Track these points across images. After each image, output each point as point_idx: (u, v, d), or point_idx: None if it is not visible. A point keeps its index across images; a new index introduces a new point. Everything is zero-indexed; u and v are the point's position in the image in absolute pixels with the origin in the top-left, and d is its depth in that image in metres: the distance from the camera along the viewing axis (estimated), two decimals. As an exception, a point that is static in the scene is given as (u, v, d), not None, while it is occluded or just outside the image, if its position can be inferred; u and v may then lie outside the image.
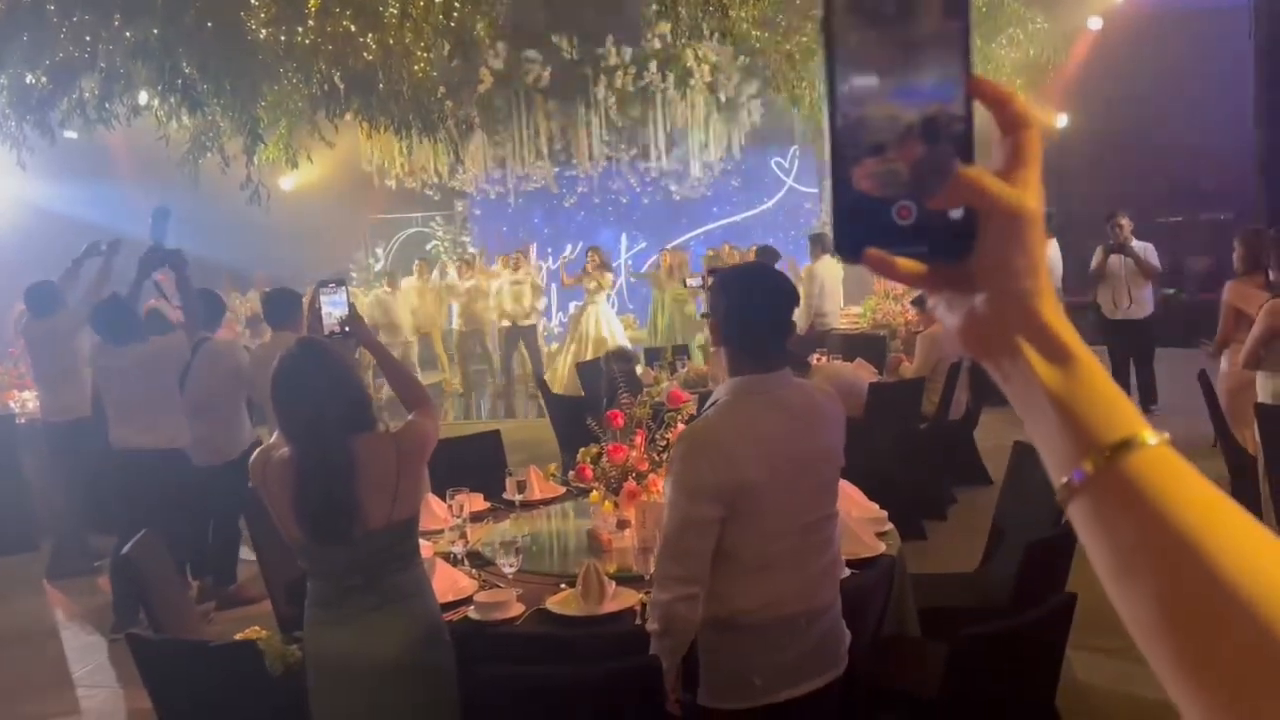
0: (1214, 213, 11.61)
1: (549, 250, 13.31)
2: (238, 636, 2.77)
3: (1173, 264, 10.75)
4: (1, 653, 5.21)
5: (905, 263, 0.60)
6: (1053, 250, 7.80)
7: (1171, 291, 10.70)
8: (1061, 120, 11.51)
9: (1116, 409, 0.58)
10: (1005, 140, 0.60)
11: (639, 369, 7.52)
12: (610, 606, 2.75)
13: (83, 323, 6.13)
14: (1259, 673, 0.51)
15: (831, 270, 9.77)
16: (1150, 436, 0.57)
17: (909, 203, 0.59)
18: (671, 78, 9.99)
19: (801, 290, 8.06)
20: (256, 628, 2.98)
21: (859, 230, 0.60)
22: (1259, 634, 0.50)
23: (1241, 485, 4.90)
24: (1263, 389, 5.04)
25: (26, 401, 7.58)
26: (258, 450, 2.56)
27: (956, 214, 0.59)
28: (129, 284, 5.32)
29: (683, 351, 8.41)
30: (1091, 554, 0.58)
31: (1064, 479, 0.58)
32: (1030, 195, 0.59)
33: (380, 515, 2.41)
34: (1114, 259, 7.99)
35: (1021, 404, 0.61)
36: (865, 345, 7.89)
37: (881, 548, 3.10)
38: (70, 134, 8.36)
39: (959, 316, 0.62)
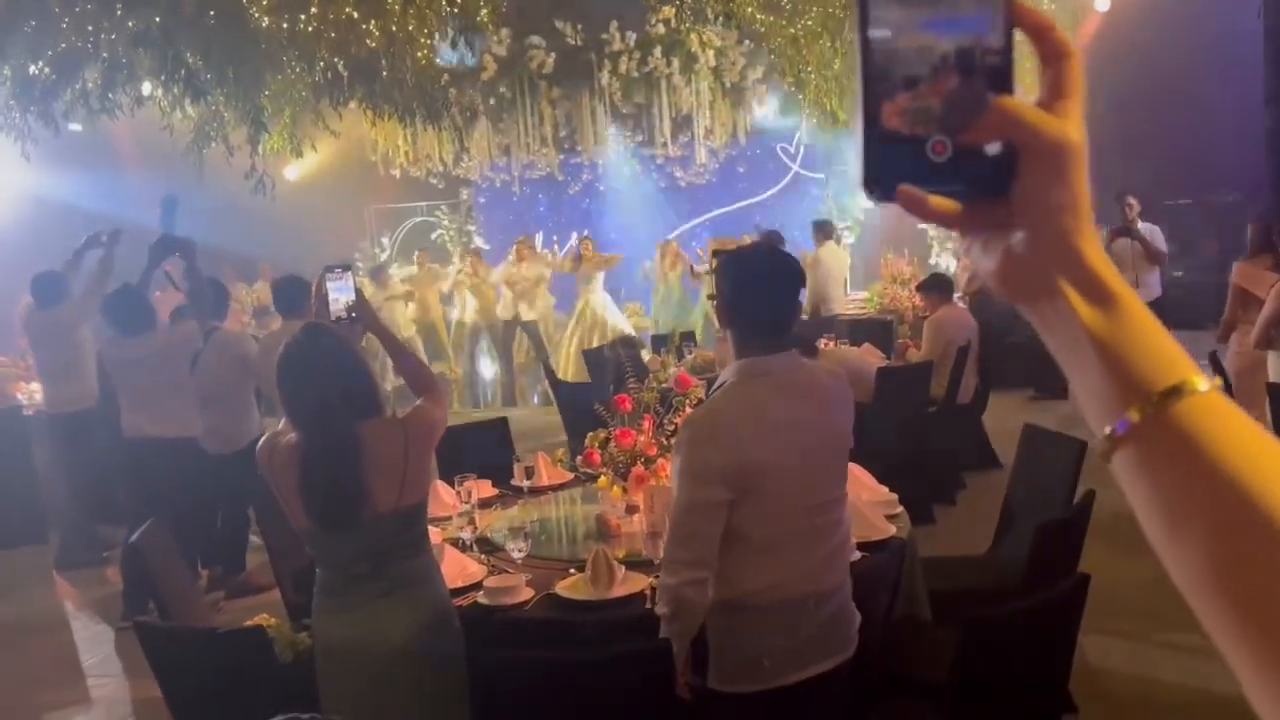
0: (1223, 194, 11.52)
1: (555, 238, 13.26)
2: (247, 624, 2.76)
3: (1182, 247, 10.68)
4: (12, 643, 5.22)
5: (939, 201, 0.57)
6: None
7: (1179, 274, 10.62)
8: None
9: (1164, 353, 0.55)
10: (1046, 71, 0.58)
11: (646, 355, 7.51)
12: (619, 591, 2.74)
13: (86, 314, 6.13)
14: None
15: (836, 256, 9.73)
16: (1201, 382, 0.54)
17: (943, 139, 0.56)
18: (676, 63, 9.94)
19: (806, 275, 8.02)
20: (265, 615, 2.98)
21: (891, 169, 0.57)
22: None
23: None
24: (1274, 369, 5.01)
25: (34, 393, 7.58)
26: (265, 437, 2.54)
27: (994, 150, 0.56)
28: (139, 273, 5.31)
29: (689, 338, 8.39)
30: (1138, 507, 0.55)
31: (1107, 429, 0.55)
32: (1073, 127, 0.56)
33: (388, 501, 2.40)
34: (1120, 242, 7.92)
35: (1062, 350, 0.58)
36: (872, 331, 7.86)
37: (891, 530, 3.08)
38: (74, 126, 8.34)
39: (995, 258, 0.59)
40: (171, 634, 2.86)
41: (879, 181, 0.57)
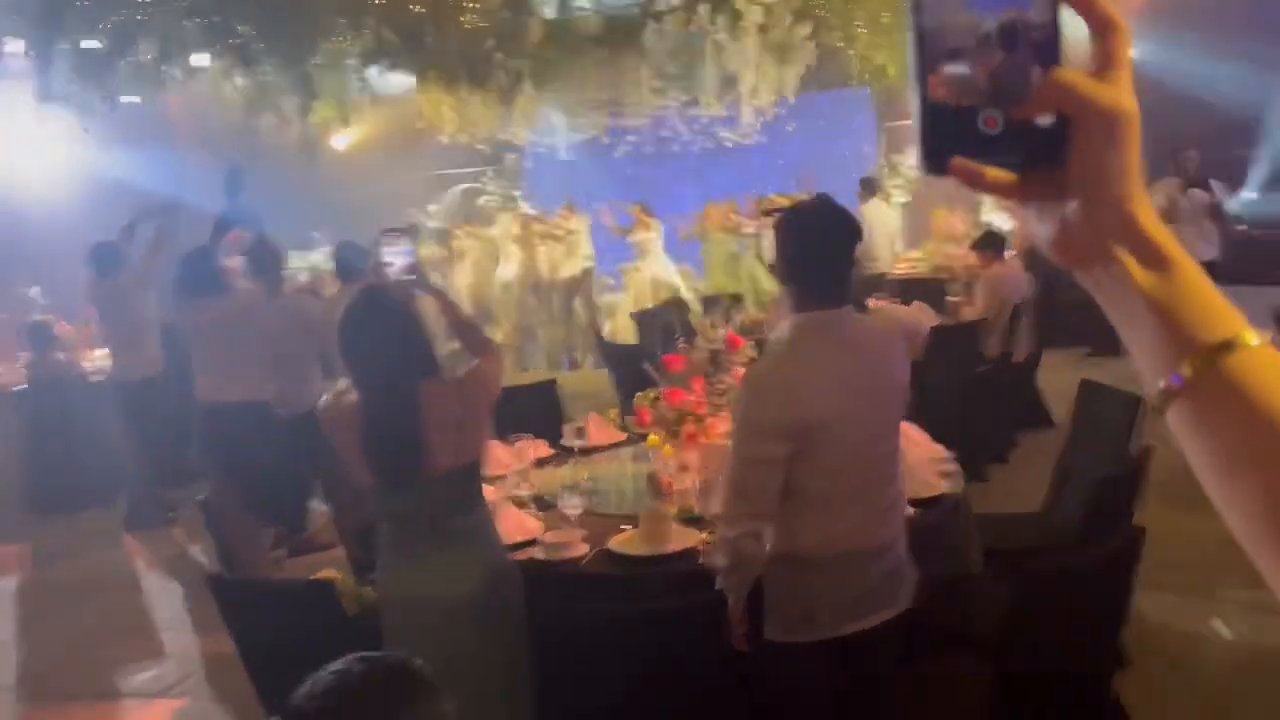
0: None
1: (601, 202, 13.26)
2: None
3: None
4: (86, 601, 5.43)
5: (994, 173, 0.59)
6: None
7: (1243, 227, 10.32)
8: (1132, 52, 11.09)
9: (1216, 311, 0.57)
10: (1094, 43, 0.59)
11: (695, 318, 7.51)
12: (673, 546, 2.79)
13: (146, 282, 6.31)
14: None
15: (882, 214, 9.62)
16: (1252, 337, 0.56)
17: (994, 113, 0.58)
18: (722, 21, 9.81)
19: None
20: (330, 570, 3.08)
21: (945, 141, 0.59)
22: None
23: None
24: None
25: (99, 361, 7.81)
26: (327, 397, 2.62)
27: (1046, 121, 0.58)
28: (205, 241, 5.44)
29: (738, 300, 8.37)
30: (1193, 459, 0.58)
31: (1161, 384, 0.57)
32: (1125, 95, 0.57)
33: (446, 458, 2.46)
34: (1194, 192, 7.68)
35: (1116, 312, 0.60)
36: (924, 290, 7.77)
37: (944, 487, 3.08)
38: (131, 98, 8.50)
39: (1050, 226, 0.60)
40: (244, 587, 2.96)
41: (935, 155, 0.59)
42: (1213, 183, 7.71)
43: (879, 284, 8.33)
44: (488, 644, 2.53)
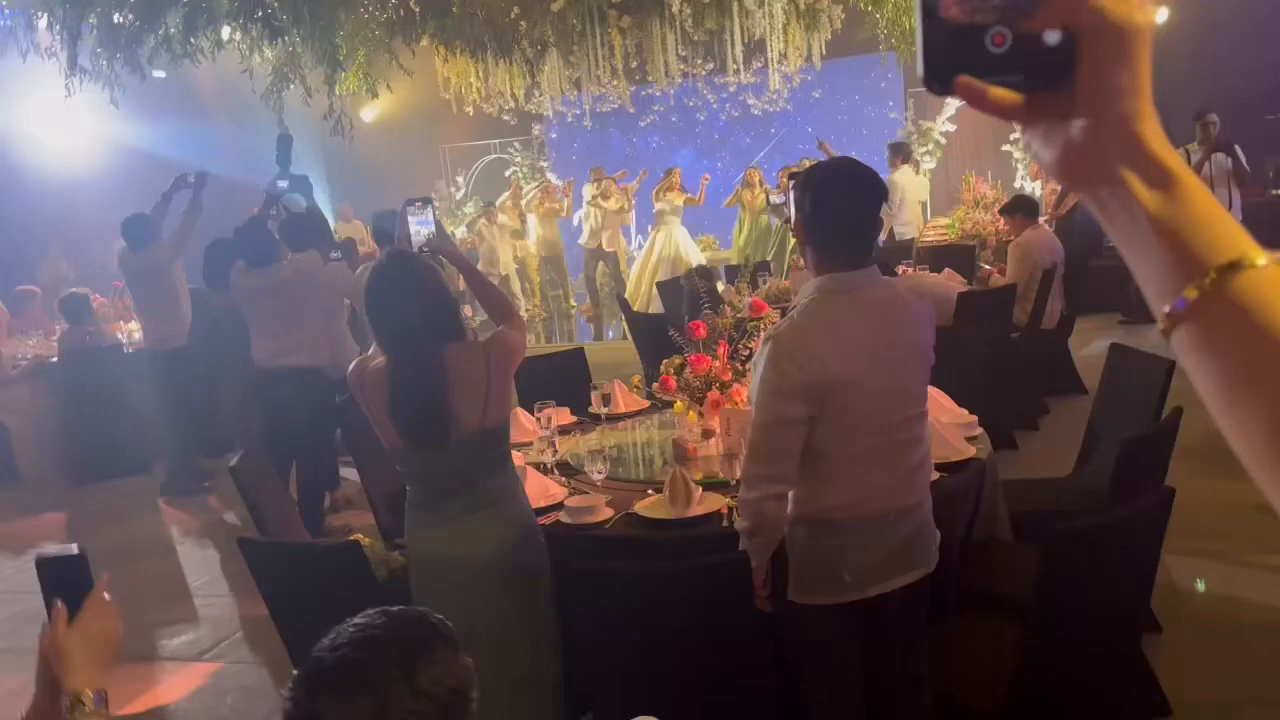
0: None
1: (626, 172, 13.21)
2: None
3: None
4: (123, 568, 5.53)
5: (999, 92, 0.58)
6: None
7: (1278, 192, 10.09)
8: (1162, 15, 10.85)
9: (1222, 231, 0.56)
10: None
11: (720, 286, 7.48)
12: (697, 510, 2.80)
13: (177, 254, 6.39)
14: None
15: (911, 180, 9.50)
16: (1259, 256, 0.54)
17: (1002, 29, 0.56)
18: (748, -14, 9.69)
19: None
20: (359, 535, 3.12)
21: (951, 59, 0.58)
22: None
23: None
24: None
25: (133, 332, 7.92)
26: (355, 361, 2.64)
27: (1053, 38, 0.56)
28: (227, 222, 5.52)
29: (764, 267, 8.33)
30: (1198, 383, 0.56)
31: (1166, 308, 0.56)
32: (1137, 8, 0.56)
33: (472, 420, 2.48)
34: (1217, 157, 7.52)
35: (1120, 234, 0.59)
36: (953, 256, 7.69)
37: (971, 451, 3.07)
38: (158, 73, 8.55)
39: (1056, 147, 0.59)
40: (274, 550, 3.01)
41: (939, 74, 0.58)
42: (1236, 148, 7.52)
43: (908, 250, 8.25)
44: (515, 604, 2.56)
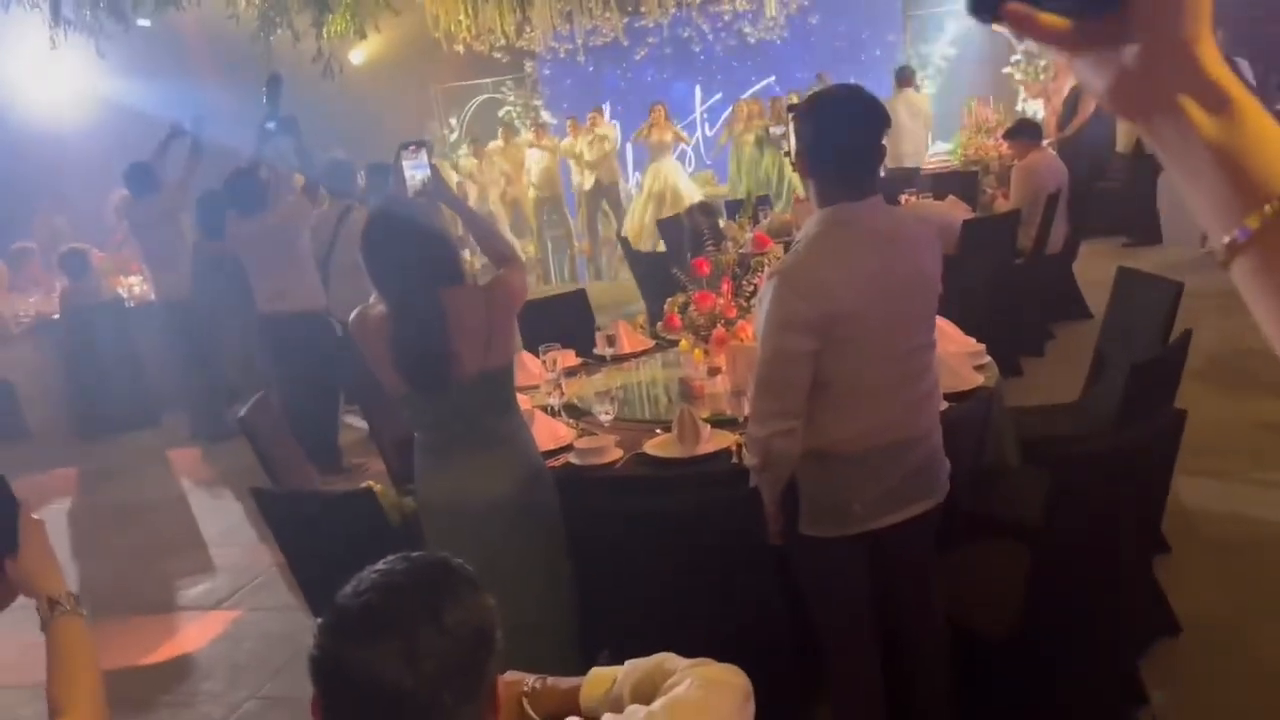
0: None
1: (620, 108, 13.03)
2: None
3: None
4: (136, 521, 5.59)
5: (1048, 18, 0.56)
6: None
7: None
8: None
9: None
10: None
11: (721, 221, 7.42)
12: (706, 447, 2.80)
13: (182, 201, 6.37)
14: None
15: (915, 105, 9.36)
16: None
17: None
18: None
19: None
20: (371, 482, 3.13)
21: None
22: None
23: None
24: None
25: (133, 286, 7.89)
26: (355, 310, 2.63)
27: None
28: (218, 175, 5.50)
29: (765, 201, 8.25)
30: (1258, 311, 0.55)
31: (1227, 238, 0.54)
32: None
33: (474, 363, 2.48)
34: None
35: (1178, 163, 0.57)
36: (957, 183, 7.61)
37: (979, 380, 3.06)
38: (143, 21, 8.39)
39: (1108, 76, 0.57)
40: (288, 499, 3.03)
41: (985, 0, 0.55)
42: (1239, 61, 7.35)
43: (911, 178, 8.16)
44: (526, 545, 2.58)
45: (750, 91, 12.73)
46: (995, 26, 0.56)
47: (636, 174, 13.42)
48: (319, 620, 1.12)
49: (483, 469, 2.55)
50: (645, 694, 1.31)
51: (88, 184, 9.71)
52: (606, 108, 12.22)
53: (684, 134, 11.60)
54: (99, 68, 7.94)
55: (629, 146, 12.90)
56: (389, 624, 1.08)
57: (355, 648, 1.07)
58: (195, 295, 6.47)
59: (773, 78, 13.02)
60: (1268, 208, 0.52)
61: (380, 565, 1.16)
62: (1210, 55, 0.55)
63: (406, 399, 2.57)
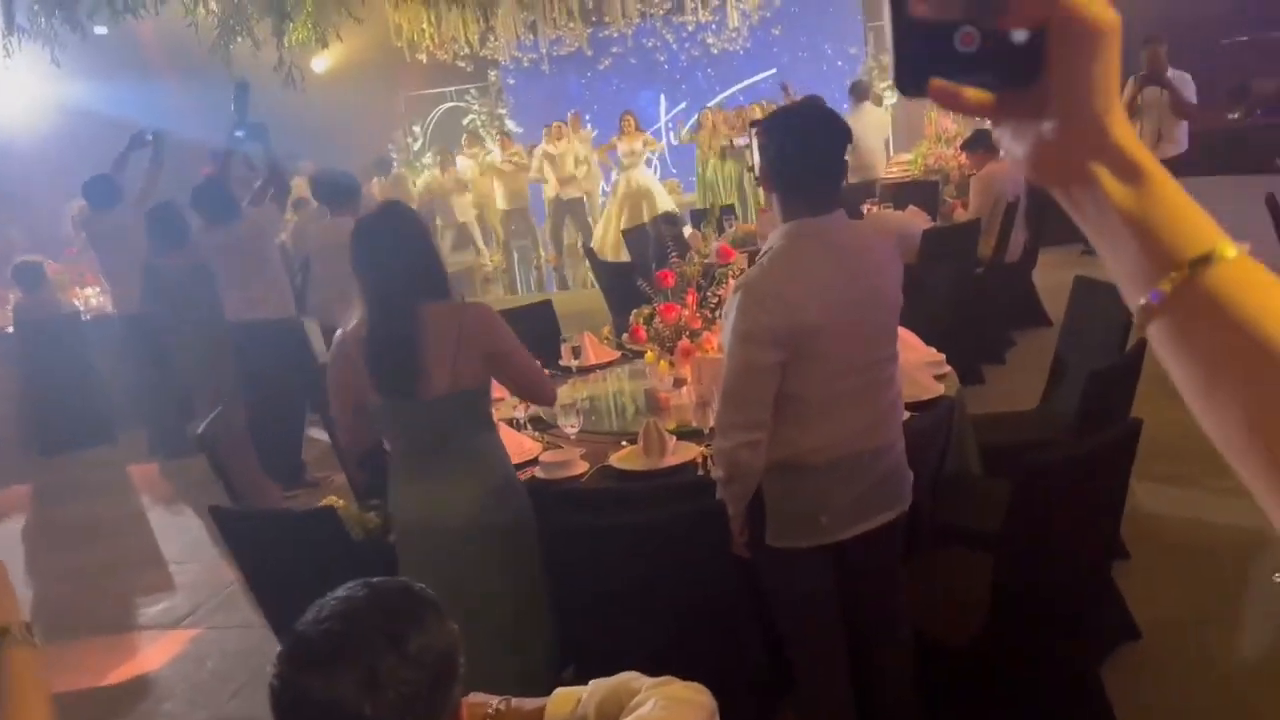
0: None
1: (587, 117, 13.04)
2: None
3: (1240, 89, 10.16)
4: (94, 539, 5.48)
5: (972, 93, 0.58)
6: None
7: (1234, 116, 10.09)
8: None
9: (1193, 225, 0.56)
10: None
11: (686, 231, 7.45)
12: (672, 460, 2.80)
13: (143, 215, 6.27)
14: None
15: (874, 118, 9.44)
16: (1229, 249, 0.55)
17: (970, 30, 0.56)
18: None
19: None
20: (334, 497, 3.10)
21: (920, 62, 0.58)
22: None
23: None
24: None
25: (89, 298, 7.75)
26: (339, 331, 2.61)
27: (1021, 37, 0.56)
28: (182, 182, 5.44)
29: (729, 211, 8.29)
30: (1175, 374, 0.57)
31: (1142, 301, 0.57)
32: (1105, 6, 0.56)
33: (442, 381, 2.46)
34: (1149, 91, 7.45)
35: (1094, 230, 0.59)
36: (917, 192, 7.69)
37: (940, 389, 3.09)
38: (100, 29, 8.27)
39: (1027, 145, 0.59)
40: (247, 517, 2.99)
41: (911, 76, 0.58)
42: (1173, 74, 7.45)
43: (872, 189, 8.23)
44: (499, 561, 2.56)
45: (715, 101, 12.80)
46: (922, 99, 0.59)
47: (605, 184, 13.44)
48: (279, 650, 1.11)
49: (454, 486, 2.53)
50: (610, 713, 1.31)
51: (46, 194, 9.56)
52: (579, 118, 12.20)
53: (653, 139, 11.61)
54: (55, 76, 7.81)
55: (593, 158, 12.91)
56: (350, 652, 1.07)
57: (316, 677, 1.06)
58: (152, 308, 6.38)
59: (737, 87, 13.11)
60: (1175, 274, 0.55)
61: (341, 592, 1.15)
62: (1122, 127, 0.57)
63: (380, 411, 2.55)
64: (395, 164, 13.12)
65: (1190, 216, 0.56)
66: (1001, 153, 0.62)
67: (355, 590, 1.15)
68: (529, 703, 1.39)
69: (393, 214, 2.58)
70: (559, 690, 1.39)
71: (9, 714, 1.20)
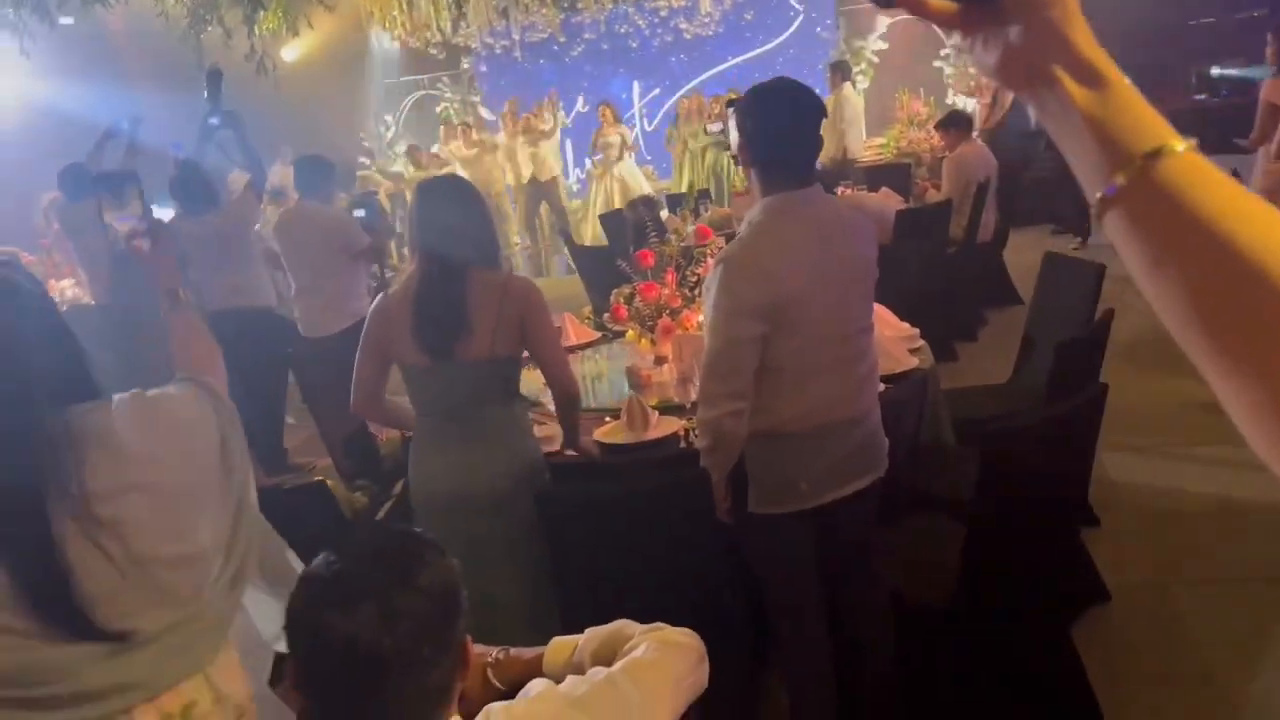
0: (1248, 10, 11.07)
1: (561, 104, 13.04)
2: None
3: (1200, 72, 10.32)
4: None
5: (937, 2, 0.64)
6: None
7: (1201, 98, 10.27)
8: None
9: (1147, 122, 0.62)
10: None
11: (664, 214, 7.50)
12: (655, 433, 2.87)
13: None
14: None
15: (851, 100, 9.52)
16: (1178, 144, 0.61)
17: None
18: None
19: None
20: (321, 476, 3.14)
21: None
22: None
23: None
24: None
25: (65, 290, 7.70)
26: (379, 295, 2.69)
27: None
28: (158, 175, 5.41)
29: (705, 195, 8.35)
30: (1127, 260, 0.63)
31: (1099, 193, 0.63)
32: None
33: (483, 345, 2.52)
34: None
35: (1058, 130, 0.65)
36: (890, 175, 7.78)
37: (914, 362, 3.18)
38: (66, 19, 8.20)
39: (996, 53, 0.65)
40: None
41: None
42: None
43: (846, 171, 8.32)
44: (519, 534, 2.58)
45: (688, 86, 12.83)
46: (889, 11, 0.64)
47: (578, 170, 13.45)
48: (292, 594, 1.16)
49: (488, 452, 2.58)
50: (605, 659, 1.37)
51: (15, 187, 9.46)
52: (555, 97, 12.19)
53: (627, 133, 11.62)
54: (23, 67, 7.74)
55: (568, 143, 12.91)
56: (365, 589, 1.12)
57: (332, 613, 1.11)
58: (124, 299, 6.34)
59: (710, 72, 13.14)
60: (1133, 166, 0.61)
61: (345, 540, 1.21)
62: (1080, 32, 0.63)
63: (414, 373, 2.60)
64: (371, 155, 13.07)
65: (1144, 115, 0.63)
66: (974, 62, 0.68)
67: (360, 534, 1.21)
68: (527, 652, 1.45)
69: (455, 180, 2.82)
70: (556, 639, 1.46)
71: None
